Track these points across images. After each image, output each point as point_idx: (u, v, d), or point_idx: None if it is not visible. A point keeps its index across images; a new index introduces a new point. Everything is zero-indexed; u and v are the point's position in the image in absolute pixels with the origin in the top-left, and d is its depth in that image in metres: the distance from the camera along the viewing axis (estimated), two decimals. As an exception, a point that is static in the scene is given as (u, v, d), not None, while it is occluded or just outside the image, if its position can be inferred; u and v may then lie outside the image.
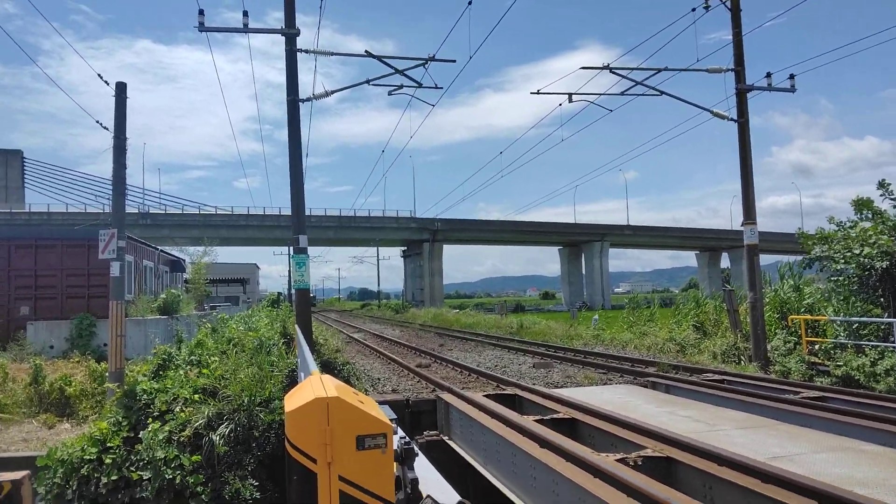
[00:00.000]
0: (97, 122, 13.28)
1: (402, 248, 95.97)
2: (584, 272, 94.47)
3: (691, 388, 11.31)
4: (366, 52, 15.70)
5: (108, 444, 8.09)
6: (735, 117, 16.18)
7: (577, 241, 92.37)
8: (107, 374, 13.41)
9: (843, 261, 14.43)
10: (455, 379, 14.31)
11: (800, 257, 17.02)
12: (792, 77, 16.74)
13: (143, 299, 23.83)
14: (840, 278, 14.70)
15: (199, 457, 7.73)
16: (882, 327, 13.63)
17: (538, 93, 17.99)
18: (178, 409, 8.41)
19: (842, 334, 14.20)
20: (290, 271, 64.95)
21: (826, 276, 15.82)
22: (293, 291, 15.09)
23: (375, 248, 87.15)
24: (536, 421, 8.26)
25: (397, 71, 15.81)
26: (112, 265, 12.74)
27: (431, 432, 10.16)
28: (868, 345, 13.11)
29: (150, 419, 8.35)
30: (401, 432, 3.48)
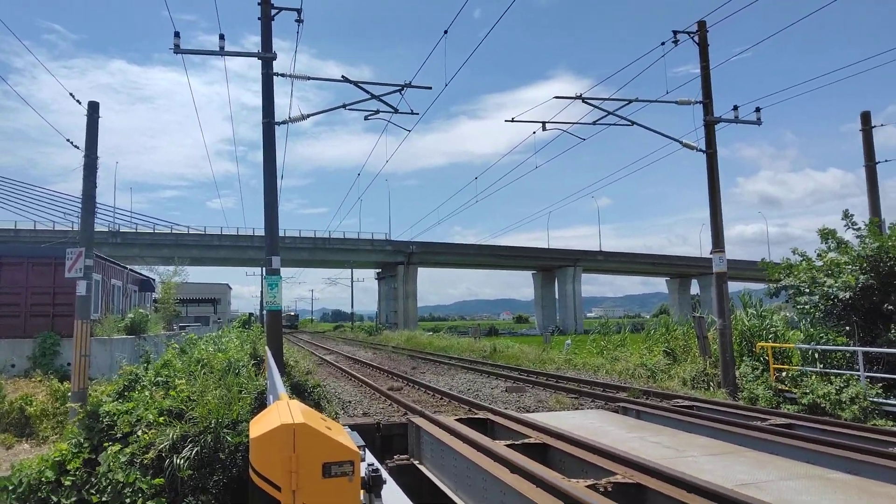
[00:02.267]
0: (68, 140, 13.12)
1: (377, 271, 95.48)
2: (557, 297, 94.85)
3: (661, 413, 11.38)
4: (342, 76, 15.81)
5: (68, 466, 7.87)
6: (704, 148, 16.53)
7: (551, 265, 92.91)
8: (69, 393, 13.08)
9: (808, 291, 14.76)
10: (427, 402, 14.22)
11: (765, 285, 17.35)
12: (758, 110, 17.17)
13: (110, 319, 23.34)
14: (806, 307, 14.99)
15: (162, 479, 7.54)
16: (847, 356, 13.90)
17: (513, 121, 18.20)
18: (141, 431, 8.21)
19: (808, 361, 14.44)
20: (262, 292, 64.26)
21: (792, 304, 16.13)
22: (265, 313, 14.91)
23: (350, 270, 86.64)
24: (508, 446, 8.23)
25: (374, 96, 15.90)
26: (78, 284, 12.50)
27: (402, 456, 10.05)
28: (834, 373, 13.34)
29: (112, 441, 8.14)
30: (369, 458, 3.45)
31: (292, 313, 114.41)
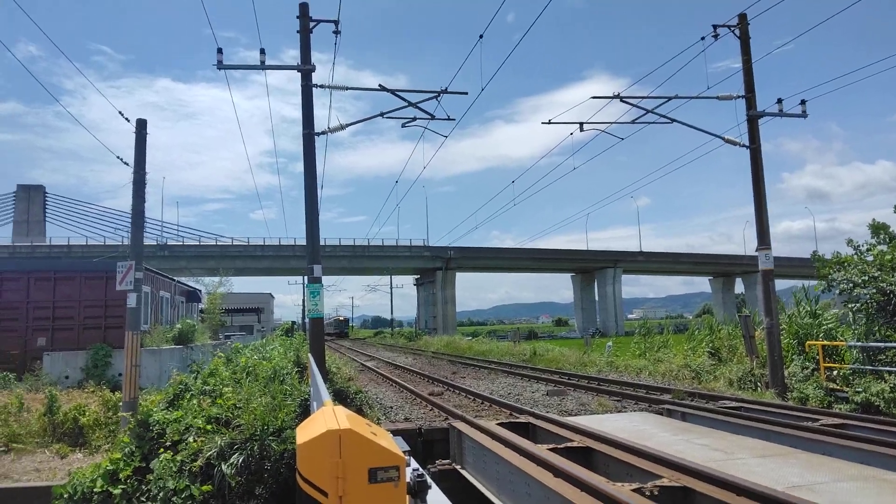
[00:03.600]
0: (118, 157, 13.59)
1: (416, 277, 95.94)
2: (597, 299, 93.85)
3: (707, 415, 11.17)
4: (380, 85, 15.96)
5: (120, 475, 8.11)
6: (747, 143, 16.20)
7: (590, 267, 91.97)
8: (121, 403, 13.47)
9: (861, 285, 14.30)
10: (468, 407, 14.22)
11: (815, 282, 16.86)
12: (803, 103, 16.70)
13: (159, 329, 23.99)
14: (858, 304, 14.53)
15: (211, 486, 7.71)
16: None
17: (549, 122, 18.10)
18: (190, 438, 8.41)
19: (859, 359, 14.00)
20: (304, 300, 65.13)
21: (843, 300, 15.65)
22: (307, 320, 15.15)
23: (389, 276, 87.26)
24: (550, 450, 8.19)
25: (410, 104, 16.04)
26: (129, 296, 12.89)
27: (444, 461, 10.08)
28: (888, 370, 12.91)
29: (162, 449, 8.36)
30: (414, 464, 3.47)
31: (341, 318, 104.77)
